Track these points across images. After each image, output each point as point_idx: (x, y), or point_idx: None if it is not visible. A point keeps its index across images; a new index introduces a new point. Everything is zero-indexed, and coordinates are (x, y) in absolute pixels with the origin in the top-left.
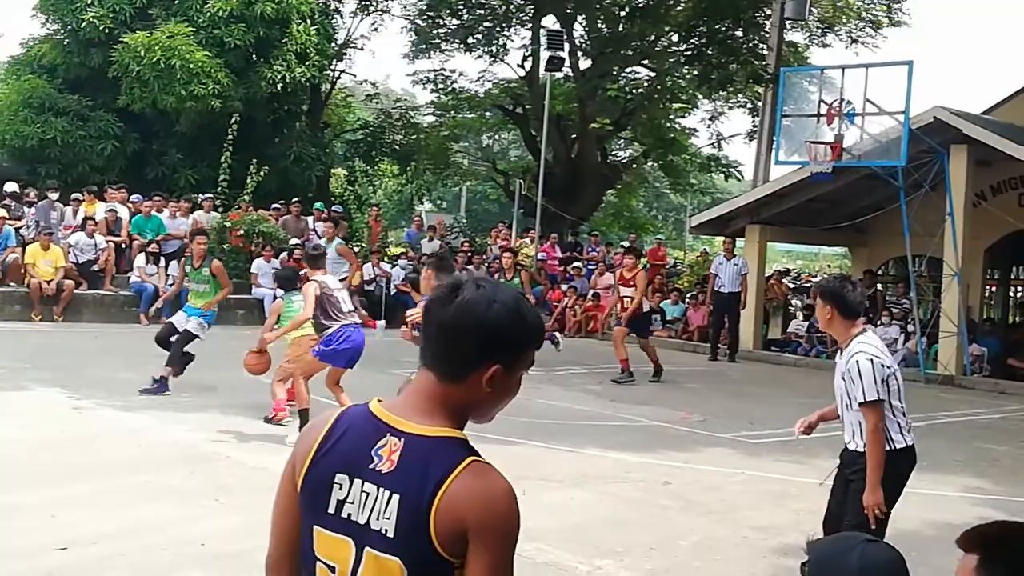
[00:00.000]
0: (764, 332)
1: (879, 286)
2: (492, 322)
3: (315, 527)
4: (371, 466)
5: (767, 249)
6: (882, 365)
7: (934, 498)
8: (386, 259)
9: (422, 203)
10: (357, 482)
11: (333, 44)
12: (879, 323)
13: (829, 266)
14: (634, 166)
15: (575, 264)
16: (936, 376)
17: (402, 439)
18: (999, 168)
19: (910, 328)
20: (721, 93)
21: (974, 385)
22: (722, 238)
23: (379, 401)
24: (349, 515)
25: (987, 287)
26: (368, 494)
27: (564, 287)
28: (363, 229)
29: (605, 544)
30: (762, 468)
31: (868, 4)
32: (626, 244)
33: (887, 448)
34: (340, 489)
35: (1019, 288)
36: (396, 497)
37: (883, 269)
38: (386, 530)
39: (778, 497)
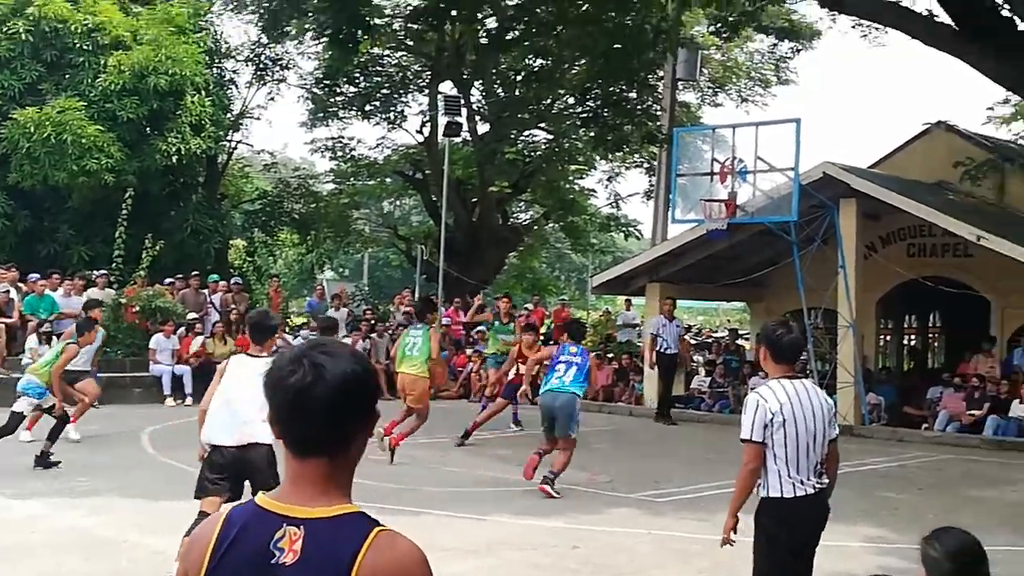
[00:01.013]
0: None
1: None
2: (366, 374)
3: None
4: (273, 561)
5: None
6: (768, 410)
7: (838, 549)
8: (288, 330)
9: (323, 272)
10: None
11: (229, 115)
12: None
13: (729, 320)
14: (535, 228)
15: (479, 328)
16: None
17: (301, 526)
18: (887, 220)
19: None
20: (617, 154)
21: (872, 434)
22: (624, 297)
23: (263, 494)
24: None
25: (881, 337)
26: None
27: (469, 351)
28: (263, 300)
29: None
30: (667, 527)
31: (756, 64)
32: (524, 314)
33: (764, 494)
34: None
35: (912, 336)
36: None
37: (794, 324)
38: None
39: (683, 556)
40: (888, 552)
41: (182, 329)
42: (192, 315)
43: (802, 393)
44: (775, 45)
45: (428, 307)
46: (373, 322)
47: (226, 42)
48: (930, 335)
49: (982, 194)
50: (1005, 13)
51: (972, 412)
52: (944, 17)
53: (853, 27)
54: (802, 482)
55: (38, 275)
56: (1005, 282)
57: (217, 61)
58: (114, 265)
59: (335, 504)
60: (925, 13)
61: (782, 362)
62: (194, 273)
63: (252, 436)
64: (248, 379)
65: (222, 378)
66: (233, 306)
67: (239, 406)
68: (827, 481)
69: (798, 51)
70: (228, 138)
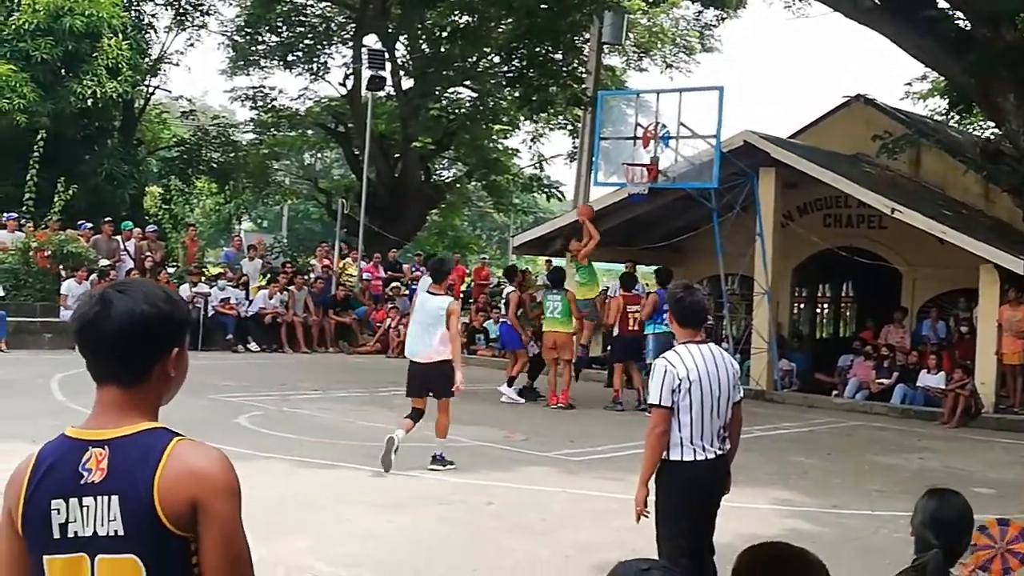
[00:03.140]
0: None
1: None
2: (158, 314)
3: (45, 558)
4: (82, 481)
5: None
6: (676, 375)
7: (747, 511)
8: (204, 280)
9: (241, 222)
10: (73, 501)
11: (147, 59)
12: None
13: (647, 284)
14: (457, 186)
15: (394, 284)
16: (749, 391)
17: (106, 447)
18: (805, 190)
19: (724, 345)
20: (542, 115)
21: (784, 399)
22: (544, 258)
23: (71, 426)
24: (76, 533)
25: (796, 304)
26: (88, 507)
27: (388, 307)
28: (179, 249)
29: (426, 568)
30: (583, 486)
31: (682, 30)
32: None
33: (666, 457)
34: (59, 513)
35: (826, 305)
36: (116, 498)
37: (698, 287)
38: (116, 531)
39: (599, 515)
40: (797, 515)
41: (95, 275)
42: (105, 262)
43: (708, 358)
44: (700, 12)
45: (561, 275)
46: (292, 274)
47: None
48: (843, 304)
49: (898, 168)
50: None
51: (881, 381)
52: None
53: None
54: (704, 447)
55: None
56: (916, 254)
57: (135, 3)
58: (25, 208)
59: (135, 423)
60: None
61: (687, 326)
62: (107, 219)
63: (428, 356)
64: (425, 311)
65: (414, 310)
66: (148, 254)
67: (419, 332)
68: (728, 446)
69: (723, 19)
70: (145, 83)
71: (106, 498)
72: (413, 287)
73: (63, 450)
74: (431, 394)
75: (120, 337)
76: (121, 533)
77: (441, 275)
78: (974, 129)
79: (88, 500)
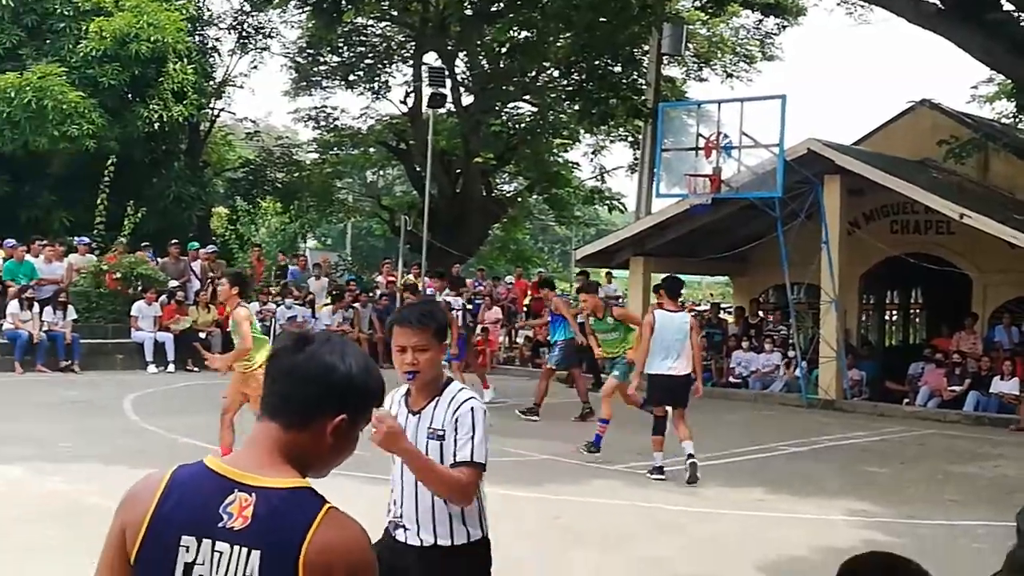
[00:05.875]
0: None
1: (761, 313)
2: (344, 372)
3: None
4: (221, 524)
5: (651, 280)
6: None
7: (819, 523)
8: (272, 298)
9: (306, 241)
10: (207, 542)
11: (211, 82)
12: (763, 351)
13: (712, 295)
14: (519, 200)
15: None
16: (817, 401)
17: (253, 494)
18: (871, 197)
19: (790, 354)
20: (602, 127)
21: (854, 408)
22: (604, 271)
23: (213, 457)
24: None
25: (864, 312)
26: (221, 553)
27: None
28: (246, 269)
29: None
30: (650, 499)
31: (741, 39)
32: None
33: (480, 536)
34: (187, 552)
35: (894, 312)
36: (256, 553)
37: (764, 297)
38: None
39: (666, 528)
40: (871, 526)
41: (164, 296)
42: (173, 282)
43: None
44: (760, 21)
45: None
46: (356, 292)
47: (208, 9)
48: (912, 311)
49: (965, 172)
50: None
51: (953, 388)
52: None
53: (839, 4)
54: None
55: (14, 240)
56: (987, 259)
57: (199, 28)
58: (96, 232)
59: (286, 477)
60: None
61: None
62: (174, 241)
63: (679, 370)
64: (670, 328)
65: (652, 328)
66: (212, 274)
67: (667, 347)
68: None
69: (784, 27)
70: (210, 106)
71: (244, 549)
72: (477, 302)
73: (201, 481)
74: (673, 403)
75: (301, 373)
76: None
77: (676, 293)
78: None
79: (222, 545)
